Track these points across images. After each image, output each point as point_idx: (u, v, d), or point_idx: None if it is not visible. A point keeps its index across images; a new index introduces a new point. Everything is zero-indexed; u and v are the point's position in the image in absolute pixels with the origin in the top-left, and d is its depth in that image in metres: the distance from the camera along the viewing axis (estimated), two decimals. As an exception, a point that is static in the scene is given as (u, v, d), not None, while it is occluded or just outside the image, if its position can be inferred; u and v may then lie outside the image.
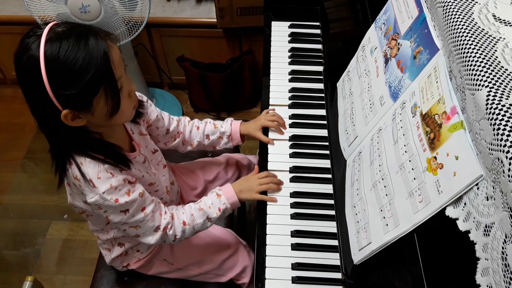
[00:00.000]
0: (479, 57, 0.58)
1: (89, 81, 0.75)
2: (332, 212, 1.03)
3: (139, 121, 1.02)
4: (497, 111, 0.51)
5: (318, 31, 1.42)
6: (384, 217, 0.76)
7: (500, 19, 0.63)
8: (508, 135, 0.49)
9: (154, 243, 0.97)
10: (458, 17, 0.64)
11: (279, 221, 1.03)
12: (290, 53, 1.37)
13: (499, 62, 0.57)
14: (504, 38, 0.60)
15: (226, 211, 1.04)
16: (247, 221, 1.76)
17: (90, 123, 0.83)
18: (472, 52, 0.59)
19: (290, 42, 1.40)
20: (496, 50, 0.58)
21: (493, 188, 0.53)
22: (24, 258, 1.82)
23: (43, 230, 1.89)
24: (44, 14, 1.57)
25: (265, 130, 1.19)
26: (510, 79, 0.55)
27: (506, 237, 0.49)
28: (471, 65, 0.58)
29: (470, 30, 0.61)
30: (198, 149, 1.23)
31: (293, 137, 1.18)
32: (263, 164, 1.13)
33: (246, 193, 1.04)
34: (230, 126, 1.18)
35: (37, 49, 0.73)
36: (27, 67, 0.74)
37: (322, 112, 1.23)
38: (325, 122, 1.20)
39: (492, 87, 0.54)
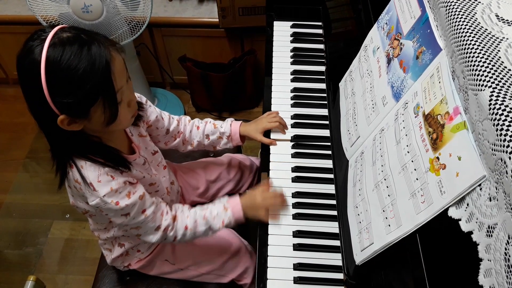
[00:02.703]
0: (482, 57, 0.57)
1: (87, 92, 0.75)
2: (334, 213, 1.03)
3: (138, 123, 1.02)
4: (500, 112, 0.51)
5: (320, 31, 1.42)
6: (386, 218, 0.76)
7: (503, 19, 0.63)
8: None
9: (155, 242, 0.98)
10: (461, 17, 0.63)
11: (281, 221, 1.03)
12: (292, 53, 1.37)
13: (502, 62, 0.57)
14: (507, 38, 0.60)
15: (229, 225, 1.03)
16: (249, 221, 1.76)
17: (87, 128, 0.83)
18: (475, 52, 0.58)
19: (292, 42, 1.40)
20: (499, 50, 0.58)
21: (496, 189, 0.52)
22: (26, 257, 1.82)
23: (45, 230, 1.90)
24: (47, 14, 1.57)
25: (267, 131, 1.19)
26: (513, 80, 0.55)
27: (509, 238, 0.49)
28: (474, 65, 0.58)
29: (473, 30, 0.61)
30: (198, 149, 1.22)
31: (295, 137, 1.17)
32: (265, 164, 1.13)
33: (252, 211, 1.03)
34: (230, 127, 1.17)
35: (40, 53, 0.73)
36: (28, 70, 0.74)
37: (324, 112, 1.22)
38: (327, 122, 1.20)
39: (495, 88, 0.54)
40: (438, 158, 0.64)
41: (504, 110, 0.51)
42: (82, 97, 0.75)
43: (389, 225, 0.74)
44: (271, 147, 1.16)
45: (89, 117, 0.79)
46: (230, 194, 1.36)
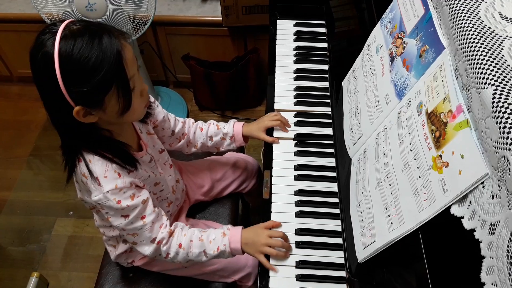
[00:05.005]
0: (485, 55, 0.57)
1: (101, 79, 0.76)
2: (337, 211, 1.03)
3: (147, 120, 1.03)
4: (503, 109, 0.51)
5: (323, 30, 1.42)
6: (389, 216, 0.76)
7: (507, 18, 0.63)
8: (514, 134, 0.49)
9: (149, 255, 0.95)
10: (465, 16, 0.64)
11: (284, 219, 1.03)
12: (295, 52, 1.37)
13: (506, 60, 0.57)
14: (510, 37, 0.60)
15: (225, 253, 0.99)
16: (252, 220, 1.76)
17: (101, 120, 0.84)
18: (478, 50, 0.59)
19: (295, 40, 1.40)
20: (502, 49, 0.58)
21: (499, 186, 0.53)
22: (30, 254, 1.83)
23: (48, 227, 1.91)
24: (51, 12, 1.58)
25: (270, 130, 1.19)
26: (517, 78, 0.55)
27: (511, 235, 0.49)
28: (477, 63, 0.58)
29: (477, 28, 0.61)
30: (202, 151, 1.23)
31: (297, 136, 1.18)
32: (268, 163, 1.13)
33: (250, 248, 0.98)
34: (233, 128, 1.18)
35: (52, 46, 0.74)
36: (41, 63, 0.75)
37: (327, 110, 1.23)
38: (330, 120, 1.20)
39: (499, 86, 0.54)
40: (441, 156, 0.64)
41: (507, 108, 0.51)
42: (96, 85, 0.76)
43: (392, 223, 0.74)
44: (274, 145, 1.16)
45: (104, 106, 0.80)
46: (234, 193, 1.37)
